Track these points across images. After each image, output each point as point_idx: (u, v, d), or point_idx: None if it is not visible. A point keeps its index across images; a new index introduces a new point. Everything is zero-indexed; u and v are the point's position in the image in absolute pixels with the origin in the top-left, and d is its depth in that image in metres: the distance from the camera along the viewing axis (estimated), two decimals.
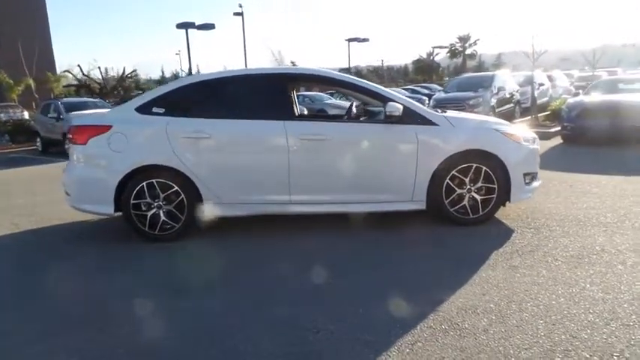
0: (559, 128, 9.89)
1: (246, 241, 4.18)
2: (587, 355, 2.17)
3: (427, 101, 13.38)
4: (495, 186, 4.17)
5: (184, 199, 4.13)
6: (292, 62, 41.86)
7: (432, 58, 49.65)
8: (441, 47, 48.98)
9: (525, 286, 2.95)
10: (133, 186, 4.09)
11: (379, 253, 3.75)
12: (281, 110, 4.19)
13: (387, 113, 4.07)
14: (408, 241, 3.99)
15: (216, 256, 3.90)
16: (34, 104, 22.80)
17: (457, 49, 50.62)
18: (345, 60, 34.11)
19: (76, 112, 4.86)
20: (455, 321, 2.54)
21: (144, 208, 4.15)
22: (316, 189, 4.21)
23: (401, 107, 4.07)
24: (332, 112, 17.66)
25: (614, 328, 2.38)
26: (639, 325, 2.40)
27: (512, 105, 13.65)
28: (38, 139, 14.48)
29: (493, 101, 12.73)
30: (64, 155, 12.14)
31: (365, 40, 33.68)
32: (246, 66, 26.86)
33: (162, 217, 4.15)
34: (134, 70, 28.50)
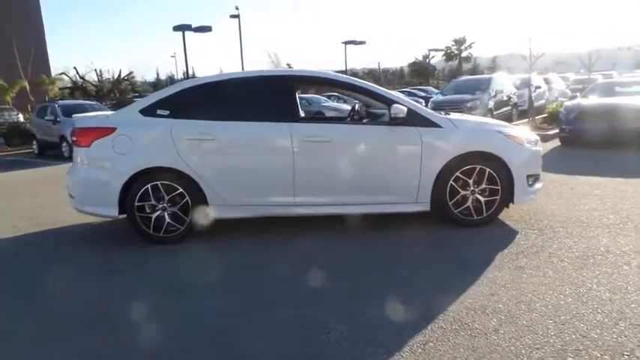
0: (557, 131, 9.97)
1: (249, 243, 4.18)
2: (598, 355, 2.19)
3: (423, 104, 13.43)
4: (499, 187, 4.20)
5: (189, 201, 4.12)
6: (288, 64, 41.94)
7: (427, 60, 49.89)
8: (436, 50, 49.29)
9: (533, 286, 2.97)
10: (137, 188, 4.08)
11: (384, 254, 3.76)
12: (286, 112, 4.20)
13: (392, 115, 4.08)
14: (412, 242, 4.01)
15: (220, 257, 3.90)
16: (29, 107, 22.66)
17: (453, 51, 50.91)
18: (341, 62, 34.24)
19: (79, 115, 4.82)
20: (465, 321, 2.56)
21: (148, 211, 4.13)
22: (321, 191, 4.22)
23: (405, 109, 4.09)
24: (329, 114, 17.70)
25: (623, 328, 2.40)
26: None
27: (509, 108, 13.75)
28: (34, 142, 14.41)
29: (491, 104, 12.82)
30: (60, 158, 12.16)
31: (361, 42, 33.83)
32: (242, 68, 26.88)
33: (167, 220, 4.15)
34: (130, 72, 28.49)
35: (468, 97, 12.83)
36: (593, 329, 2.40)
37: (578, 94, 10.94)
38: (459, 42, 50.52)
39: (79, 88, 26.34)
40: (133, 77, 32.00)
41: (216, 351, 2.43)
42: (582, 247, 3.62)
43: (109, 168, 4.15)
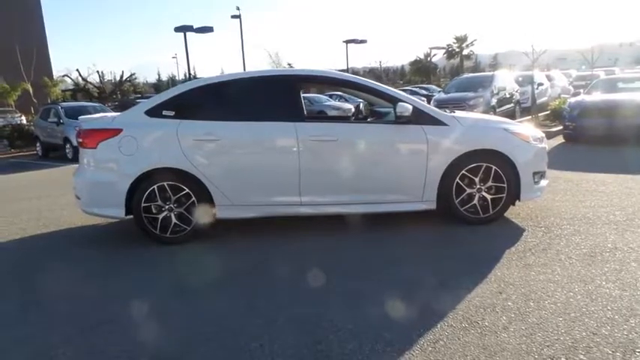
0: (560, 128, 9.95)
1: (255, 242, 4.18)
2: (610, 352, 2.19)
3: (425, 102, 13.42)
4: (505, 185, 4.20)
5: (195, 202, 4.13)
6: (289, 64, 41.92)
7: (429, 59, 49.79)
8: (438, 48, 49.14)
9: (541, 284, 2.96)
10: (144, 189, 4.09)
11: (390, 252, 3.76)
12: (291, 112, 4.20)
13: (398, 114, 4.08)
14: (419, 240, 4.01)
15: (226, 257, 3.91)
16: (32, 109, 22.73)
17: (454, 49, 50.75)
18: (342, 61, 34.23)
19: (84, 117, 4.84)
20: (474, 319, 2.56)
21: (155, 211, 4.15)
22: (327, 190, 4.22)
23: (411, 107, 4.08)
24: (331, 113, 17.73)
25: (633, 325, 2.40)
26: None
27: (512, 105, 13.72)
28: (38, 144, 14.46)
29: (493, 101, 12.79)
30: (64, 160, 12.20)
31: (363, 41, 33.76)
32: (244, 69, 26.89)
33: (174, 220, 4.16)
34: (133, 74, 28.48)
35: (471, 94, 12.81)
36: (604, 326, 2.40)
37: (581, 90, 10.89)
38: (461, 40, 50.37)
39: (81, 90, 26.40)
40: (135, 78, 32.00)
41: (226, 351, 2.43)
42: (590, 244, 3.61)
43: (116, 169, 4.16)
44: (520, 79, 15.39)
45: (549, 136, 9.73)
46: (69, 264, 4.00)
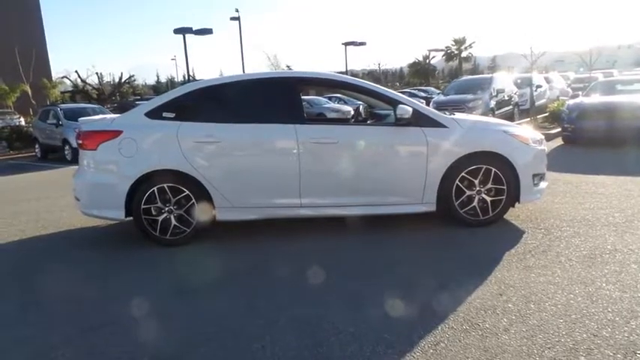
0: (559, 130, 9.97)
1: (255, 244, 4.18)
2: (611, 354, 2.19)
3: (424, 104, 13.44)
4: (505, 187, 4.20)
5: (195, 204, 4.13)
6: (288, 66, 41.96)
7: (428, 61, 49.88)
8: (436, 50, 49.24)
9: (542, 285, 2.97)
10: (143, 191, 4.09)
11: (390, 254, 3.76)
12: (291, 114, 4.20)
13: (398, 116, 4.09)
14: (419, 242, 4.01)
15: (226, 258, 3.90)
16: (31, 110, 22.70)
17: (453, 51, 50.87)
18: (341, 63, 34.29)
19: (85, 118, 4.84)
20: (475, 321, 2.56)
21: (154, 213, 4.14)
22: (326, 192, 4.22)
23: (410, 110, 4.09)
24: (330, 115, 17.73)
25: (634, 326, 2.40)
26: None
27: (510, 107, 13.74)
28: (37, 146, 14.43)
29: (492, 103, 12.81)
30: (63, 161, 12.18)
31: (362, 43, 33.79)
32: (243, 70, 26.90)
33: (174, 222, 4.15)
34: (132, 76, 28.44)
35: (470, 96, 12.83)
36: (604, 328, 2.41)
37: (580, 92, 10.92)
38: (459, 42, 50.49)
39: (80, 92, 26.37)
40: (134, 80, 31.98)
41: (227, 351, 2.43)
42: (589, 246, 3.62)
43: (116, 171, 4.15)
44: (519, 81, 15.44)
45: (548, 138, 9.75)
46: (69, 265, 3.99)
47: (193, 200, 4.13)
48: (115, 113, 11.28)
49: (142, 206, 4.10)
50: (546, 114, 12.89)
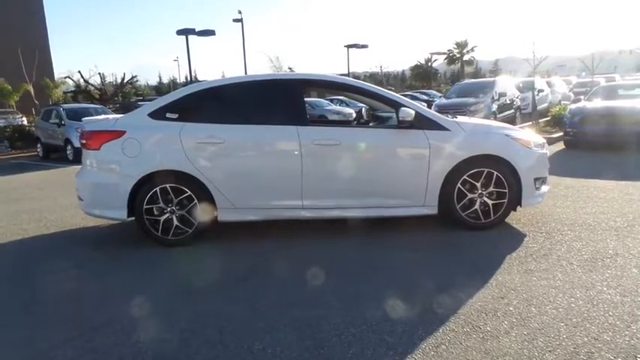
0: (561, 134, 9.98)
1: (256, 245, 4.19)
2: (611, 357, 2.20)
3: (426, 106, 13.44)
4: (506, 190, 4.21)
5: (197, 204, 4.14)
6: (290, 68, 41.99)
7: (430, 64, 49.93)
8: (438, 53, 49.33)
9: (543, 289, 2.97)
10: (146, 191, 4.10)
11: (391, 256, 3.77)
12: (294, 115, 4.22)
13: (400, 118, 4.10)
14: (420, 245, 4.01)
15: (227, 259, 3.92)
16: (33, 110, 22.78)
17: (455, 55, 50.92)
18: (343, 66, 34.33)
19: (88, 118, 4.87)
20: (476, 324, 2.56)
21: (156, 213, 4.15)
22: (328, 194, 4.23)
23: (413, 112, 4.10)
24: (332, 117, 17.75)
25: (635, 330, 2.41)
26: None
27: (512, 111, 13.76)
28: (39, 145, 14.46)
29: (494, 107, 12.83)
30: (65, 161, 12.20)
31: (364, 46, 33.86)
32: (245, 72, 26.95)
33: (175, 222, 4.16)
34: (135, 76, 28.51)
35: (472, 100, 12.85)
36: (605, 332, 2.41)
37: (582, 97, 10.93)
38: (461, 45, 50.54)
39: (82, 92, 26.44)
40: (137, 81, 32.05)
41: (229, 353, 2.44)
42: (591, 250, 3.62)
43: (119, 171, 4.17)
44: (521, 85, 15.45)
45: (550, 142, 9.75)
46: (71, 265, 4.00)
47: (195, 201, 4.14)
48: (117, 113, 11.31)
49: (145, 206, 4.11)
50: (548, 118, 12.90)
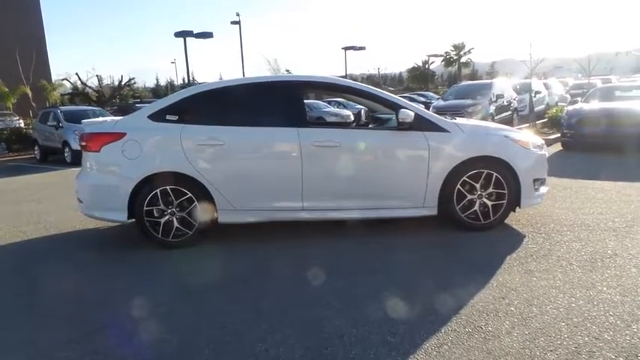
0: (558, 135, 10.02)
1: (256, 246, 4.19)
2: (613, 356, 2.21)
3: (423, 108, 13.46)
4: (506, 192, 4.23)
5: (197, 206, 4.14)
6: (287, 70, 42.02)
7: (427, 66, 50.07)
8: (436, 55, 49.46)
9: (543, 289, 2.99)
10: (146, 193, 4.10)
11: (392, 257, 3.78)
12: (294, 117, 4.23)
13: (400, 120, 4.12)
14: (420, 245, 4.02)
15: (228, 260, 3.92)
16: (30, 112, 22.70)
17: (452, 57, 51.09)
18: (340, 68, 34.39)
19: (88, 120, 4.86)
20: (478, 324, 2.58)
21: (157, 215, 4.15)
22: (329, 195, 4.24)
23: (412, 114, 4.12)
24: (329, 119, 17.79)
25: (635, 330, 2.42)
26: None
27: (510, 112, 13.80)
28: (36, 148, 14.42)
29: (492, 109, 12.87)
30: (63, 163, 12.17)
31: (361, 48, 33.94)
32: (243, 74, 26.96)
33: (176, 224, 4.16)
34: (132, 78, 28.47)
35: (469, 102, 12.89)
36: (606, 331, 2.43)
37: (578, 98, 11.00)
38: (458, 47, 50.73)
39: (79, 94, 26.38)
40: (135, 83, 32.02)
41: (231, 354, 2.44)
42: (590, 251, 3.64)
43: (119, 173, 4.17)
44: (518, 87, 15.51)
45: (547, 143, 9.69)
46: (71, 267, 4.00)
47: (196, 202, 4.15)
48: (115, 116, 11.29)
49: (145, 208, 4.11)
50: (545, 120, 12.97)
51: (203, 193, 4.15)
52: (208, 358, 2.41)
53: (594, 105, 9.59)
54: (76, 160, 11.89)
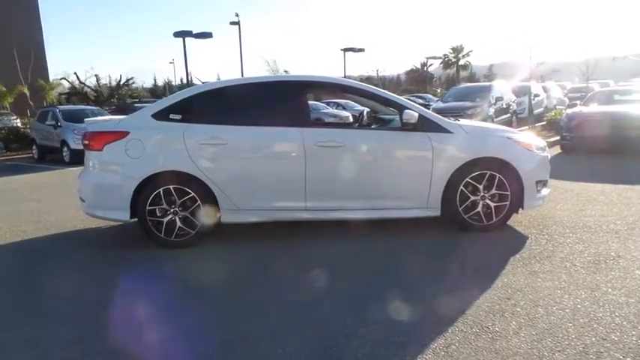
0: (558, 138, 10.06)
1: (257, 246, 4.18)
2: (621, 357, 2.21)
3: None
4: (508, 193, 4.23)
5: (200, 206, 4.13)
6: (285, 71, 42.03)
7: (425, 68, 50.18)
8: (434, 58, 49.56)
9: (548, 290, 2.99)
10: (149, 192, 4.08)
11: (395, 258, 3.78)
12: (298, 117, 4.23)
13: (404, 121, 4.12)
14: (424, 246, 4.03)
15: (231, 260, 3.91)
16: (28, 112, 22.62)
17: (450, 59, 51.21)
18: (339, 69, 34.40)
19: (90, 119, 4.85)
20: (485, 324, 2.58)
21: (159, 215, 4.14)
22: (332, 196, 4.24)
23: (417, 115, 4.13)
24: (328, 120, 17.77)
25: None
26: None
27: (509, 115, 13.85)
28: (34, 147, 14.36)
29: (491, 111, 12.91)
30: (61, 163, 12.13)
31: (361, 50, 33.97)
32: (242, 74, 26.93)
33: (179, 224, 4.15)
34: (131, 78, 28.42)
35: (469, 104, 12.92)
36: (613, 332, 2.43)
37: (577, 102, 11.05)
38: (457, 50, 50.85)
39: (77, 94, 26.31)
40: (133, 83, 31.96)
41: (237, 355, 2.43)
42: (593, 252, 3.65)
43: (122, 172, 4.15)
44: (516, 89, 15.57)
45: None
46: (74, 266, 3.98)
47: (199, 202, 4.13)
48: (113, 115, 11.24)
49: (147, 208, 4.09)
50: (544, 122, 13.01)
51: (206, 193, 4.14)
52: (212, 359, 2.40)
53: (594, 108, 9.64)
54: (75, 160, 11.84)
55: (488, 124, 5.58)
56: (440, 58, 50.67)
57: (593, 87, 18.35)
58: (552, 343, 2.36)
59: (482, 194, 4.24)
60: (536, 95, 15.81)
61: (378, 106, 4.91)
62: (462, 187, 4.21)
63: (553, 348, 2.31)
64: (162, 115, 4.25)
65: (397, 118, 4.47)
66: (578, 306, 2.75)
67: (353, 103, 20.48)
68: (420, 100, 25.78)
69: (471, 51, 51.37)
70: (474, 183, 4.23)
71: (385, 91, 4.64)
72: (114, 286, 3.47)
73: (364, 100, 4.96)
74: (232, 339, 2.57)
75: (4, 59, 25.02)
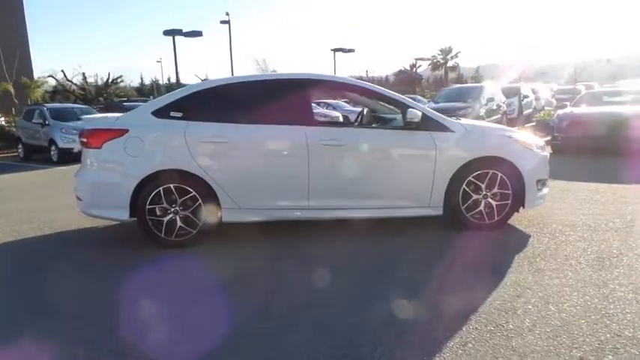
0: (548, 138, 10.17)
1: (259, 245, 4.13)
2: (637, 352, 2.23)
3: None
4: (510, 192, 4.25)
5: (201, 205, 4.06)
6: (274, 71, 41.92)
7: (414, 69, 50.47)
8: (422, 59, 49.89)
9: (556, 287, 3.00)
10: (149, 191, 4.00)
11: (399, 257, 3.76)
12: (301, 116, 4.19)
13: (407, 119, 4.11)
14: (428, 245, 4.02)
15: (233, 260, 3.85)
16: (13, 110, 22.12)
17: (439, 61, 51.64)
18: (329, 69, 34.42)
19: (88, 116, 4.75)
20: (498, 322, 2.57)
21: (159, 214, 4.06)
22: (335, 194, 4.21)
23: (420, 114, 4.12)
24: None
25: None
26: None
27: (499, 116, 13.97)
28: (20, 146, 14.06)
29: (482, 112, 13.01)
30: (49, 162, 11.89)
31: (350, 50, 34.05)
32: (232, 74, 26.75)
33: (179, 223, 4.07)
34: (120, 76, 28.03)
35: (460, 104, 13.00)
36: (626, 328, 2.44)
37: (567, 103, 11.22)
38: (445, 52, 51.31)
39: (61, 92, 25.86)
40: (122, 81, 31.54)
41: (244, 357, 2.38)
42: (596, 250, 3.69)
43: (121, 170, 4.06)
44: (506, 90, 15.74)
45: None
46: (70, 267, 3.88)
47: (199, 201, 4.06)
48: (101, 114, 11.04)
49: (147, 207, 4.01)
50: (533, 123, 13.18)
51: (207, 192, 4.08)
52: (213, 359, 2.35)
53: (584, 109, 9.78)
54: (63, 159, 11.61)
55: (489, 124, 5.61)
56: (428, 59, 51.07)
57: (580, 89, 18.66)
58: (568, 340, 2.36)
59: (484, 193, 4.25)
60: (526, 96, 16.01)
61: (378, 105, 4.90)
62: (464, 185, 4.22)
63: (570, 345, 2.31)
64: (162, 113, 4.17)
65: (398, 117, 4.46)
66: (589, 303, 2.76)
67: (343, 103, 20.60)
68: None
69: (460, 52, 51.91)
70: (476, 182, 4.23)
71: (389, 90, 4.62)
72: (114, 286, 3.39)
73: (366, 99, 4.94)
74: (235, 339, 2.52)
75: None
